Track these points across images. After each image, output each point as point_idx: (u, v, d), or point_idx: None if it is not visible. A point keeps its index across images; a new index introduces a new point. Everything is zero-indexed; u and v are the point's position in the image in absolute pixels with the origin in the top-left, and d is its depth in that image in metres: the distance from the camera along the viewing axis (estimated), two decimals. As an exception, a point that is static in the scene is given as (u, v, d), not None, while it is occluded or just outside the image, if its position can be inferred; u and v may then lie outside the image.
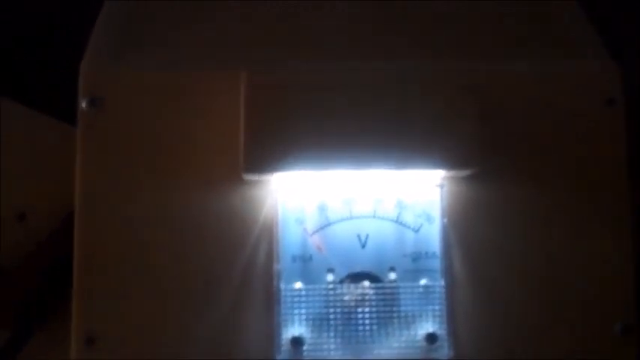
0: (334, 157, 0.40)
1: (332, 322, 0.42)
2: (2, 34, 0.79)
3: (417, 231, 0.43)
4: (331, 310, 0.42)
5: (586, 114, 0.46)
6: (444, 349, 0.42)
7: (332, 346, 0.42)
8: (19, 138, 0.72)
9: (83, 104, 0.44)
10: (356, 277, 0.43)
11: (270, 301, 0.42)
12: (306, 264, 0.43)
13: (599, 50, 0.47)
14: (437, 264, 0.43)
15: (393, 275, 0.43)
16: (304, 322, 0.42)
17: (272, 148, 0.40)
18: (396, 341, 0.42)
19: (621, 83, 0.45)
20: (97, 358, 0.43)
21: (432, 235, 0.43)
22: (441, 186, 0.44)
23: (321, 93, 0.40)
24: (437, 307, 0.42)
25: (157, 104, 0.44)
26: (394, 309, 0.42)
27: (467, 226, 0.44)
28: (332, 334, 0.42)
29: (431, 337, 0.42)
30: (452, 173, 0.42)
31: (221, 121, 0.44)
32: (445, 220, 0.43)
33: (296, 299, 0.42)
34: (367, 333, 0.42)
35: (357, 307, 0.42)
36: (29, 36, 0.80)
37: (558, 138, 0.45)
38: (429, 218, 0.43)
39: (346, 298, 0.42)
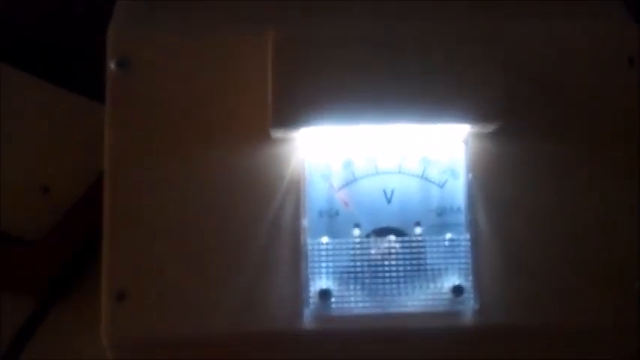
0: (360, 112, 0.40)
1: (359, 276, 0.43)
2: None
3: (442, 186, 0.44)
4: (358, 264, 0.43)
5: (607, 71, 0.46)
6: (470, 301, 0.43)
7: (359, 299, 0.42)
8: (38, 112, 0.73)
9: (112, 65, 0.44)
10: (382, 232, 0.43)
11: (298, 256, 0.43)
12: (332, 219, 0.43)
13: (621, 11, 0.47)
14: (462, 218, 0.44)
15: (418, 230, 0.43)
16: (331, 276, 0.43)
17: (299, 102, 0.40)
18: (423, 294, 0.43)
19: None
20: (127, 313, 0.43)
21: (457, 190, 0.44)
22: (466, 142, 0.44)
23: (347, 48, 0.41)
24: (462, 260, 0.43)
25: (184, 65, 0.45)
26: (420, 262, 0.43)
27: (491, 182, 0.44)
28: (359, 287, 0.43)
29: (457, 289, 0.43)
30: (477, 128, 0.42)
31: (247, 81, 0.44)
32: (470, 175, 0.44)
33: (323, 253, 0.43)
34: (394, 286, 0.43)
35: (383, 260, 0.43)
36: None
37: (580, 94, 0.46)
38: (453, 174, 0.44)
39: (372, 252, 0.43)
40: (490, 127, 0.42)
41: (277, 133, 0.42)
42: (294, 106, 0.40)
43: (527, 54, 0.46)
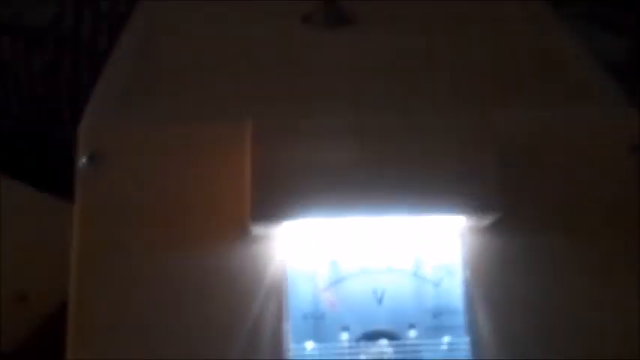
0: (347, 203, 0.37)
1: (349, 388, 0.38)
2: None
3: (437, 285, 0.40)
4: (347, 373, 0.38)
5: (609, 161, 0.43)
6: (473, 415, 0.38)
7: (349, 413, 0.38)
8: (18, 218, 0.72)
9: (83, 160, 0.42)
10: (373, 336, 0.39)
11: (280, 363, 0.39)
12: (318, 322, 0.40)
13: (620, 97, 0.45)
14: (460, 320, 0.40)
15: (413, 333, 0.39)
16: (318, 387, 0.38)
17: (281, 194, 0.37)
18: (419, 406, 0.38)
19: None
20: None
21: (454, 289, 0.40)
22: (462, 236, 0.41)
23: (331, 138, 0.38)
24: (462, 368, 0.39)
25: (159, 159, 0.42)
26: (416, 370, 0.39)
27: (490, 279, 0.41)
28: (349, 400, 0.38)
29: (457, 401, 0.38)
30: (472, 220, 0.39)
31: (226, 174, 0.42)
32: (467, 272, 0.40)
33: (308, 360, 0.38)
34: (387, 398, 0.38)
35: (375, 368, 0.38)
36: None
37: (582, 185, 0.43)
38: (449, 271, 0.40)
39: (363, 358, 0.39)
40: (487, 219, 0.39)
41: (258, 229, 0.39)
42: (276, 198, 0.37)
43: (525, 144, 0.43)
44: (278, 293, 0.40)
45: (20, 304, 0.68)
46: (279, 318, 0.40)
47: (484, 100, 0.45)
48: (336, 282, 0.40)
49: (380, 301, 0.40)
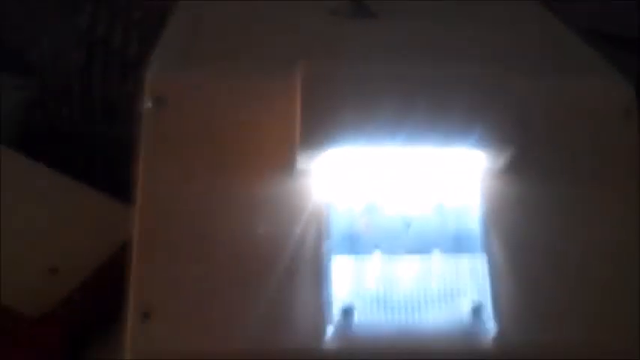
0: (384, 133, 0.44)
1: (380, 296, 0.44)
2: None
3: (458, 214, 0.46)
4: (379, 284, 0.44)
5: (608, 121, 0.50)
6: (490, 321, 0.44)
7: (381, 317, 0.43)
8: (51, 202, 0.77)
9: (149, 103, 0.48)
10: (402, 254, 0.45)
11: (321, 276, 0.44)
12: (354, 242, 0.45)
13: (615, 72, 0.53)
14: (477, 244, 0.46)
15: (437, 252, 0.45)
16: (354, 295, 0.44)
17: (327, 124, 0.43)
18: (442, 314, 0.44)
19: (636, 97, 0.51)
20: (151, 331, 0.44)
21: (473, 219, 0.46)
22: (481, 176, 0.47)
23: (371, 80, 0.45)
24: (480, 282, 0.44)
25: (216, 105, 0.49)
26: (439, 283, 0.44)
27: (503, 214, 0.47)
28: (381, 306, 0.44)
29: (476, 310, 0.44)
30: (491, 157, 0.46)
31: (274, 120, 0.48)
32: (485, 206, 0.46)
33: (345, 272, 0.44)
34: (415, 306, 0.44)
35: (403, 281, 0.44)
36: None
37: (582, 142, 0.50)
38: (469, 205, 0.47)
39: (393, 272, 0.44)
40: (503, 155, 0.45)
41: (304, 158, 0.45)
42: (323, 128, 0.44)
43: (533, 107, 0.50)
44: (321, 216, 0.46)
45: (52, 276, 0.72)
46: (320, 237, 0.45)
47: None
48: (370, 210, 0.46)
49: (408, 226, 0.46)
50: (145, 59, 0.53)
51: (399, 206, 0.46)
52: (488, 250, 0.45)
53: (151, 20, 0.91)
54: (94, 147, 0.88)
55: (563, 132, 0.50)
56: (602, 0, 1.31)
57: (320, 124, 0.43)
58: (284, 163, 0.47)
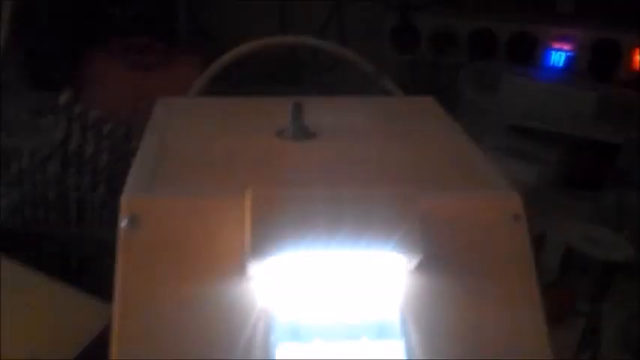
0: (319, 241, 0.55)
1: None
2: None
3: (380, 309, 0.57)
4: (318, 365, 0.54)
5: (501, 225, 0.62)
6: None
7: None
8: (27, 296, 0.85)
9: (123, 223, 0.59)
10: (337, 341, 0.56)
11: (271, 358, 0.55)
12: (296, 332, 0.56)
13: (504, 182, 0.65)
14: (397, 331, 0.57)
15: (365, 339, 0.56)
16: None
17: (272, 235, 0.55)
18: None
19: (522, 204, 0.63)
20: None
21: (393, 311, 0.57)
22: (397, 275, 0.58)
23: (308, 199, 0.56)
24: (399, 361, 0.55)
25: (180, 220, 0.59)
26: (367, 364, 0.55)
27: (416, 304, 0.58)
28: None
29: (396, 384, 0.54)
30: (404, 259, 0.57)
31: (229, 233, 0.59)
32: (402, 300, 0.58)
33: (290, 356, 0.55)
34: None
35: (337, 362, 0.55)
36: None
37: (481, 243, 0.61)
38: (390, 300, 0.58)
39: (330, 354, 0.55)
40: (415, 257, 0.57)
41: (253, 264, 0.56)
42: (268, 238, 0.55)
43: (438, 217, 0.62)
44: (269, 312, 0.56)
45: (32, 369, 0.80)
46: (269, 329, 0.56)
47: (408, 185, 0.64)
48: (310, 305, 0.57)
49: (340, 318, 0.57)
50: (114, 167, 0.63)
51: (332, 303, 0.57)
52: (405, 335, 0.56)
53: (119, 133, 1.03)
54: (67, 247, 0.97)
55: (464, 236, 0.61)
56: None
57: (266, 236, 0.54)
58: (238, 269, 0.58)
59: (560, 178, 1.42)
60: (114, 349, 0.55)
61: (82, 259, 0.97)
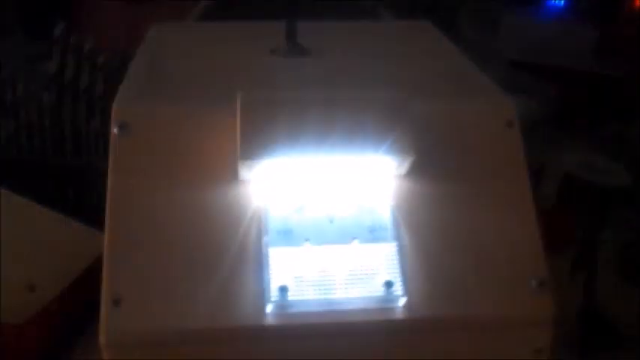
0: (310, 145, 0.54)
1: (310, 278, 0.54)
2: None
3: (372, 211, 0.57)
4: (309, 267, 0.55)
5: (495, 130, 0.62)
6: (399, 293, 0.54)
7: (311, 296, 0.54)
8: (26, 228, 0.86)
9: (115, 129, 0.58)
10: (327, 245, 0.56)
11: (262, 264, 0.55)
12: (288, 235, 0.56)
13: (499, 91, 0.65)
14: (389, 233, 0.56)
15: (356, 242, 0.56)
16: (289, 278, 0.54)
17: (262, 139, 0.54)
18: (361, 290, 0.54)
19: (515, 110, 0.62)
20: (121, 316, 0.53)
21: (385, 213, 0.57)
22: (390, 178, 0.58)
23: (299, 102, 0.56)
24: (391, 262, 0.55)
25: (170, 128, 0.59)
26: (359, 266, 0.55)
27: (409, 208, 0.58)
28: (310, 286, 0.54)
29: (388, 284, 0.54)
30: (396, 162, 0.57)
31: (220, 139, 0.59)
32: (392, 202, 0.57)
33: (281, 259, 0.55)
34: (339, 285, 0.54)
35: (328, 265, 0.55)
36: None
37: (477, 148, 0.61)
38: (380, 201, 0.57)
39: (320, 259, 0.55)
40: (406, 161, 0.56)
41: (244, 169, 0.56)
42: (258, 142, 0.54)
43: (430, 122, 0.61)
44: (260, 216, 0.56)
45: (30, 292, 0.82)
46: (260, 233, 0.56)
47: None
48: (301, 207, 0.57)
49: (331, 221, 0.57)
50: (110, 97, 0.63)
51: (324, 206, 0.57)
52: (397, 238, 0.56)
53: (113, 63, 1.02)
54: (64, 177, 0.97)
55: (458, 141, 0.61)
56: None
57: (256, 140, 0.54)
58: (229, 174, 0.57)
59: (559, 112, 1.42)
60: (105, 255, 0.55)
61: (78, 188, 0.97)
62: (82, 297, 0.80)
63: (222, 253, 0.55)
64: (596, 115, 1.36)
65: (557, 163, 1.13)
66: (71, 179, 0.96)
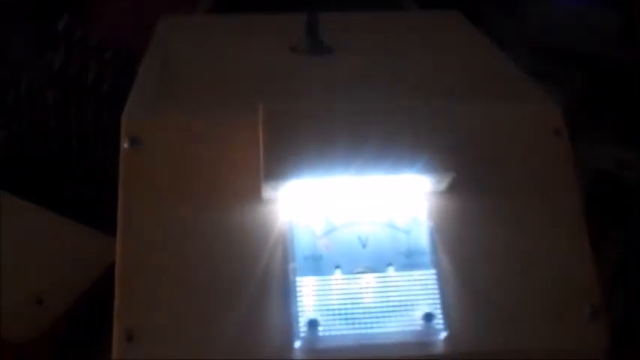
0: (338, 165, 0.49)
1: (342, 309, 0.49)
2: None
3: (408, 233, 0.52)
4: (341, 299, 0.49)
5: (541, 140, 0.56)
6: (440, 327, 0.49)
7: (343, 329, 0.49)
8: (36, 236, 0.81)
9: (125, 144, 0.53)
10: (360, 271, 0.50)
11: (289, 294, 0.49)
12: (317, 262, 0.50)
13: (545, 96, 0.59)
14: (427, 259, 0.51)
15: (391, 269, 0.51)
16: (318, 310, 0.49)
17: (287, 158, 0.49)
18: (398, 324, 0.49)
19: (562, 117, 0.57)
20: (135, 354, 0.48)
21: (422, 236, 0.52)
22: (427, 196, 0.53)
23: (326, 116, 0.50)
24: (431, 292, 0.50)
25: (186, 142, 0.54)
26: (394, 296, 0.50)
27: (449, 229, 0.52)
28: (342, 319, 0.49)
29: (427, 317, 0.49)
30: (434, 181, 0.51)
31: (240, 154, 0.53)
32: (431, 223, 0.52)
33: (310, 290, 0.49)
34: (372, 318, 0.49)
35: (363, 296, 0.50)
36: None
37: (521, 160, 0.55)
38: (417, 222, 0.52)
39: (353, 288, 0.50)
40: (444, 180, 0.51)
41: (268, 189, 0.50)
42: (283, 162, 0.49)
43: (471, 133, 0.56)
44: (286, 239, 0.51)
45: (37, 305, 0.77)
46: (286, 259, 0.51)
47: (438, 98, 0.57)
48: (330, 231, 0.51)
49: (364, 245, 0.51)
50: (118, 94, 0.57)
51: (355, 228, 0.51)
52: (437, 263, 0.51)
53: (122, 57, 0.96)
54: (71, 178, 0.92)
55: (500, 153, 0.55)
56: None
57: (281, 158, 0.49)
58: (251, 192, 0.52)
59: (585, 100, 1.35)
60: (117, 283, 0.50)
61: (86, 191, 0.92)
62: (93, 309, 0.76)
63: (244, 281, 0.50)
64: (623, 102, 1.30)
65: (587, 158, 1.07)
66: (79, 181, 0.91)
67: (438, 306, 0.49)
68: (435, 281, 0.50)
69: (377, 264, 0.51)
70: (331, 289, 0.49)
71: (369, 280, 0.50)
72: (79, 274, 0.80)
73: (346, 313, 0.49)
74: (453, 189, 0.53)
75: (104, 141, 0.93)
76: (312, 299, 0.49)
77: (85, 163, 0.92)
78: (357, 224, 0.52)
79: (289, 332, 0.49)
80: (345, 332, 0.48)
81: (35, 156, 0.90)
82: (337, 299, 0.49)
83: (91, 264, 0.80)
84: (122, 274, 0.50)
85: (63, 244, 0.83)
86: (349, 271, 0.50)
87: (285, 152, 0.49)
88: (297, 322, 0.48)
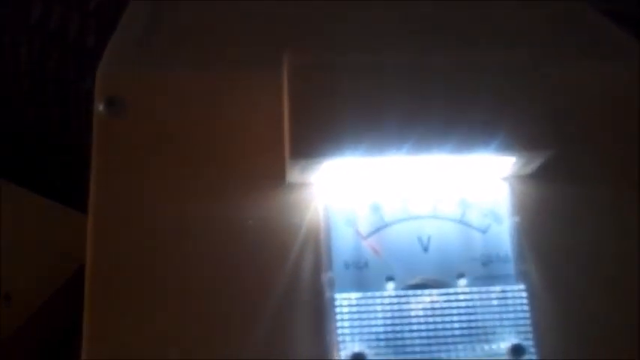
0: (389, 142, 0.35)
1: (398, 336, 0.35)
2: None
3: (484, 232, 0.38)
4: (396, 322, 0.35)
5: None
6: (533, 361, 0.35)
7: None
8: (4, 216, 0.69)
9: (100, 106, 0.39)
10: (420, 285, 0.36)
11: (322, 315, 0.35)
12: (361, 271, 0.36)
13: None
14: (510, 268, 0.37)
15: (463, 282, 0.36)
16: (365, 338, 0.35)
17: (321, 129, 0.35)
18: (474, 357, 0.35)
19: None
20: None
21: (502, 236, 0.38)
22: (509, 181, 0.38)
23: (373, 73, 0.36)
24: (519, 315, 0.36)
25: (183, 107, 0.39)
26: (469, 319, 0.36)
27: (538, 226, 0.38)
28: (399, 350, 0.35)
29: (516, 350, 0.35)
30: (522, 161, 0.37)
31: (255, 123, 0.39)
32: (516, 219, 0.38)
33: (354, 310, 0.35)
34: (440, 348, 0.35)
35: (425, 318, 0.35)
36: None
37: (618, 139, 0.41)
38: (496, 218, 0.38)
39: (412, 308, 0.35)
40: (536, 159, 0.37)
41: (294, 174, 0.36)
42: (315, 133, 0.35)
43: (573, 95, 0.41)
44: (317, 241, 0.37)
45: (6, 303, 0.65)
46: (318, 267, 0.36)
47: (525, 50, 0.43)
48: (379, 228, 0.37)
49: (426, 248, 0.37)
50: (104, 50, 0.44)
51: (413, 226, 0.37)
52: (525, 276, 0.37)
53: (109, 9, 0.82)
54: (47, 153, 0.79)
55: (606, 128, 0.41)
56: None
57: (312, 131, 0.34)
58: (270, 175, 0.38)
59: None
60: (86, 294, 0.36)
61: (63, 167, 0.78)
62: (68, 304, 0.63)
63: (265, 297, 0.36)
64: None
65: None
66: (55, 157, 0.77)
67: (530, 335, 0.35)
68: (524, 300, 0.36)
69: (443, 275, 0.37)
70: (381, 310, 0.35)
71: (433, 297, 0.36)
72: (53, 266, 0.68)
73: (403, 344, 0.35)
74: (542, 172, 0.38)
75: (88, 108, 0.79)
76: (357, 322, 0.35)
77: (65, 137, 0.77)
78: (416, 220, 0.37)
79: (324, 369, 0.34)
80: (400, 370, 0.34)
81: (7, 126, 0.76)
82: (390, 323, 0.35)
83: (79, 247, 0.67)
84: (92, 288, 0.35)
85: (52, 227, 0.71)
86: (405, 284, 0.36)
87: (318, 122, 0.34)
88: (338, 354, 0.34)
